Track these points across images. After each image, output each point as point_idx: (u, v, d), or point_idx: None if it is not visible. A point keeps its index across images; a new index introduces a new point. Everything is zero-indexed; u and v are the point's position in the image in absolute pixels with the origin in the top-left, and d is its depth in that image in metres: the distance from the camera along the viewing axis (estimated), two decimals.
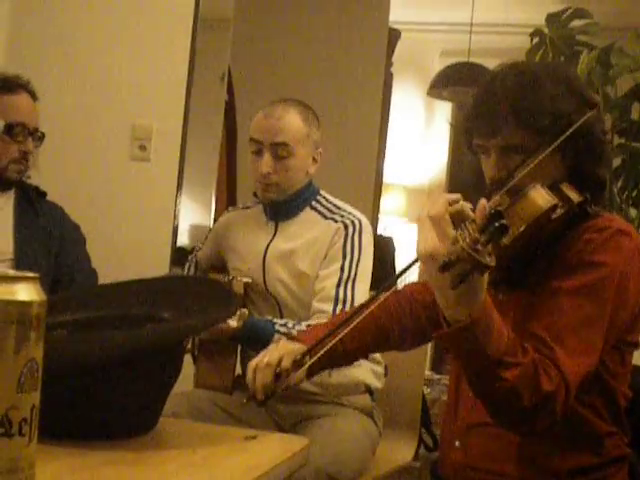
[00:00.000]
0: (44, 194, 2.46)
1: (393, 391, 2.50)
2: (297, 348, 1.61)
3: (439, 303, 1.31)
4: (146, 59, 3.09)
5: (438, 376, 4.63)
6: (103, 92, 3.11)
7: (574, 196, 1.47)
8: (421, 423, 2.66)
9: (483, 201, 1.25)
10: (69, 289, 2.32)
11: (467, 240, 1.16)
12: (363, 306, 1.54)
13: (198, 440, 1.18)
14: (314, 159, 2.34)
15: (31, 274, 0.91)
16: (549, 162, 1.46)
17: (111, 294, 1.42)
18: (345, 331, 1.53)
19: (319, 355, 1.52)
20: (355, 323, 1.52)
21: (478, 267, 1.17)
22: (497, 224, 1.16)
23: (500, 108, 1.49)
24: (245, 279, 2.31)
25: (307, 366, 1.55)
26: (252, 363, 1.62)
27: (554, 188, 1.45)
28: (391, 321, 1.73)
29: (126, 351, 1.11)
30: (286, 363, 1.58)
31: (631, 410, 1.59)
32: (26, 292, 0.89)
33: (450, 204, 1.26)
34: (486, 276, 1.27)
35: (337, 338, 1.53)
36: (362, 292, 2.20)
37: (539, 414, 1.34)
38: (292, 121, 2.28)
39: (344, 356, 1.73)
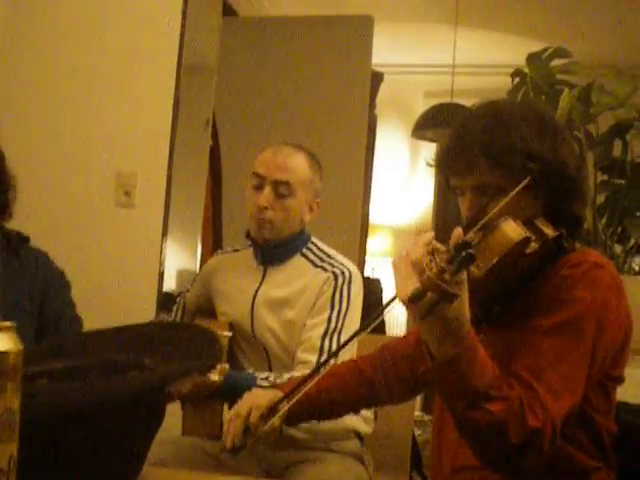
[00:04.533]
0: (27, 239, 2.44)
1: (383, 435, 2.48)
2: (269, 398, 1.64)
3: (425, 340, 1.32)
4: (130, 107, 3.11)
5: (429, 417, 4.60)
6: (88, 140, 3.12)
7: (548, 231, 1.48)
8: (412, 465, 2.64)
9: (457, 230, 1.26)
10: (54, 336, 2.30)
11: (434, 270, 1.19)
12: (338, 350, 1.56)
13: None
14: (311, 207, 2.33)
15: (7, 323, 0.90)
16: (523, 199, 1.47)
17: (94, 341, 1.40)
18: (321, 374, 1.52)
19: (294, 400, 1.53)
20: (330, 367, 1.53)
21: (445, 296, 1.20)
22: (464, 253, 1.18)
23: (472, 149, 1.50)
24: (226, 333, 2.29)
25: (282, 413, 1.56)
26: (228, 414, 1.66)
27: (528, 223, 1.46)
28: (376, 374, 1.74)
29: (104, 400, 1.09)
30: (253, 418, 1.61)
31: (618, 445, 1.58)
32: (2, 342, 0.88)
33: (427, 244, 1.27)
34: (466, 309, 1.29)
35: (313, 381, 1.52)
36: (348, 344, 2.19)
37: (526, 451, 1.33)
38: (299, 163, 2.28)
39: (330, 406, 1.74)
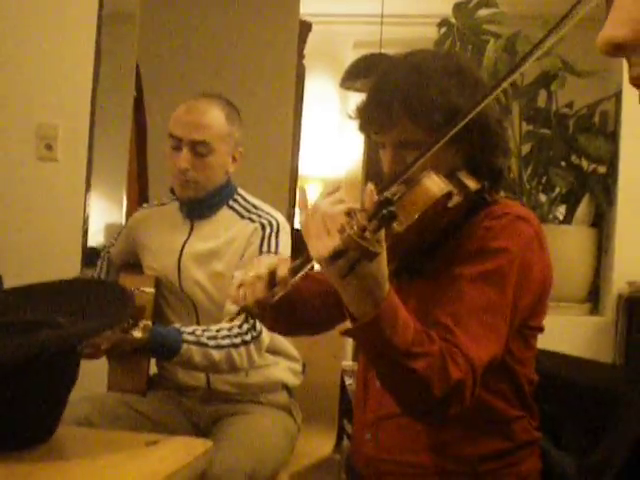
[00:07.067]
0: None
1: (311, 386, 2.49)
2: (285, 259, 1.51)
3: (343, 299, 1.30)
4: (50, 57, 3.01)
5: None
6: (6, 91, 3.02)
7: (471, 184, 1.47)
8: (343, 415, 2.66)
9: (370, 187, 1.24)
10: None
11: (355, 228, 1.16)
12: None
13: (97, 448, 1.15)
14: (234, 158, 2.29)
15: None
16: (445, 153, 1.46)
17: (7, 300, 1.37)
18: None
19: (310, 265, 1.39)
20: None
21: (366, 254, 1.17)
22: (385, 211, 1.16)
23: (392, 105, 1.47)
24: (149, 290, 2.26)
25: (298, 277, 1.42)
26: (236, 280, 1.50)
27: (451, 176, 1.45)
28: (303, 300, 1.65)
29: (15, 358, 1.07)
30: (283, 272, 1.43)
31: (539, 394, 1.60)
32: None
33: (341, 201, 1.24)
34: (385, 268, 1.26)
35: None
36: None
37: (450, 403, 1.33)
38: (214, 118, 2.23)
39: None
